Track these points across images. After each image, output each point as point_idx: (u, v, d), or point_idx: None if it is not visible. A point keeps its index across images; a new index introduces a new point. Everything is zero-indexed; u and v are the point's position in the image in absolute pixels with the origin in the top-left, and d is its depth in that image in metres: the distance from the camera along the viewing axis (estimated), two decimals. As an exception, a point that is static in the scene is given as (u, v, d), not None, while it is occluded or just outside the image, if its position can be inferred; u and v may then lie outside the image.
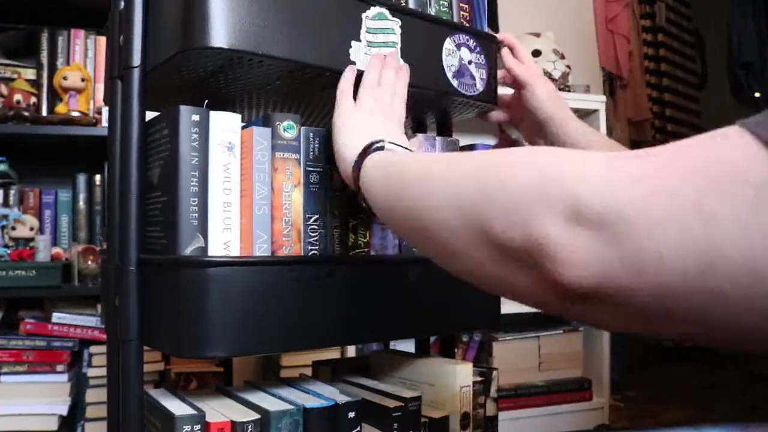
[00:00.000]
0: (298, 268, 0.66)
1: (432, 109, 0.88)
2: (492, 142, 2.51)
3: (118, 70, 0.69)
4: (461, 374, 0.81)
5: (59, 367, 1.46)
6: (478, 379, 0.85)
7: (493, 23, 2.24)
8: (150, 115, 0.69)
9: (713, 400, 2.34)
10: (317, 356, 0.98)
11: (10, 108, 1.50)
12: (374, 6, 0.73)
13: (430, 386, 0.83)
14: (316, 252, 0.70)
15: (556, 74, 2.08)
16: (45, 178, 1.71)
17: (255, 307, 0.63)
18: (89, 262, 1.54)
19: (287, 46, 0.66)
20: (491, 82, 0.85)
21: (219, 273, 0.61)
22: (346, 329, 0.70)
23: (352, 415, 0.70)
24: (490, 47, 0.86)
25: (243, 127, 0.68)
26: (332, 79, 0.72)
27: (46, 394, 1.45)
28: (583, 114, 2.18)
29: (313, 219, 0.70)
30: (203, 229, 0.63)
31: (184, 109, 0.63)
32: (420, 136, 0.80)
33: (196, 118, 0.63)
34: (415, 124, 0.96)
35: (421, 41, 0.77)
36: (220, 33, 0.61)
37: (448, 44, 0.80)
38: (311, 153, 0.70)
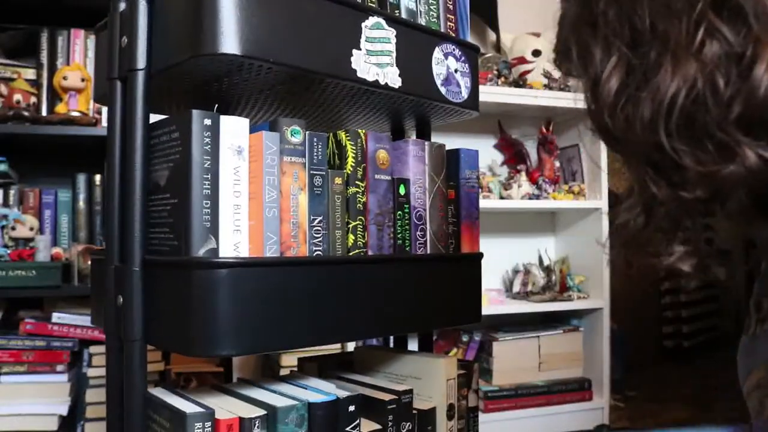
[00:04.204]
0: (305, 269, 0.68)
1: (417, 115, 0.91)
2: (493, 141, 2.50)
3: (119, 71, 0.69)
4: (447, 368, 0.85)
5: (59, 367, 1.46)
6: (461, 372, 0.88)
7: (494, 23, 2.24)
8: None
9: (713, 400, 2.34)
10: (314, 355, 0.99)
11: (10, 108, 1.50)
12: (372, 16, 0.75)
13: (416, 380, 0.86)
14: (320, 252, 0.72)
15: (556, 74, 2.08)
16: (45, 178, 1.71)
17: (264, 306, 0.64)
18: (89, 262, 1.54)
19: (294, 54, 0.67)
20: (474, 89, 0.89)
21: (232, 274, 0.62)
22: (347, 326, 0.72)
23: (352, 408, 0.72)
24: (473, 57, 0.89)
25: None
26: (334, 86, 0.73)
27: (46, 394, 1.45)
28: (583, 113, 2.18)
29: (317, 221, 0.72)
30: (215, 230, 0.64)
31: (196, 114, 0.63)
32: (411, 140, 0.83)
33: (207, 122, 0.64)
34: (394, 129, 0.98)
35: (413, 50, 0.80)
36: (232, 40, 0.62)
37: (437, 53, 0.83)
38: (315, 157, 0.72)
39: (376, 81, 0.75)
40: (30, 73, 1.62)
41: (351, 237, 0.75)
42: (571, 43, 0.49)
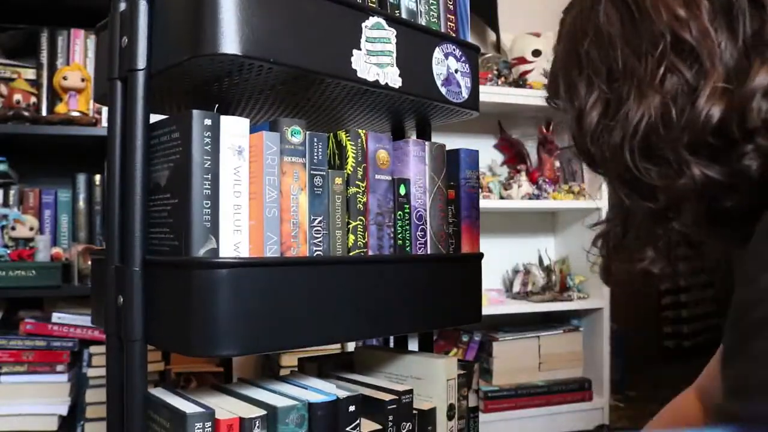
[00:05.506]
0: (305, 269, 0.68)
1: (417, 115, 0.91)
2: (493, 141, 2.50)
3: (119, 71, 0.69)
4: (447, 368, 0.85)
5: (59, 367, 1.46)
6: (461, 372, 0.89)
7: (494, 23, 2.24)
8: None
9: (712, 399, 2.33)
10: (314, 355, 0.99)
11: (10, 108, 1.50)
12: (373, 16, 0.75)
13: (416, 380, 0.86)
14: (320, 252, 0.72)
15: (556, 74, 2.07)
16: (45, 178, 1.71)
17: (264, 306, 0.64)
18: (89, 262, 1.54)
19: (294, 54, 0.67)
20: (474, 90, 0.89)
21: (232, 274, 0.62)
22: (347, 326, 0.72)
23: (352, 408, 0.72)
24: (473, 57, 0.89)
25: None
26: (334, 86, 0.74)
27: (46, 394, 1.45)
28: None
29: (317, 221, 0.72)
30: (215, 230, 0.64)
31: (196, 114, 0.63)
32: (411, 141, 0.82)
33: (208, 122, 0.64)
34: (394, 129, 0.98)
35: (414, 50, 0.80)
36: (232, 40, 0.62)
37: (438, 53, 0.83)
38: (315, 157, 0.72)
39: (377, 81, 0.75)
40: (30, 73, 1.62)
41: (351, 237, 0.75)
42: (560, 80, 0.56)
